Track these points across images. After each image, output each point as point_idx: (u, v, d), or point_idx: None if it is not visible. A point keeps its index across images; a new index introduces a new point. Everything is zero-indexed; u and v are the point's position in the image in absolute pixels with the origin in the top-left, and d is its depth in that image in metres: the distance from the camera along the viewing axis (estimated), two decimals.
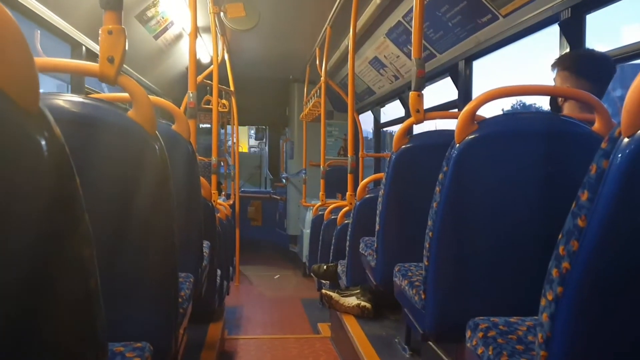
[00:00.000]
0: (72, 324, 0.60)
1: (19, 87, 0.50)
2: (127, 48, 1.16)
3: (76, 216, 0.58)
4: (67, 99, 1.09)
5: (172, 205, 1.20)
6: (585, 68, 1.79)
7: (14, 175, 0.50)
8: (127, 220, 1.13)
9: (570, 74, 1.79)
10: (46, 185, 0.53)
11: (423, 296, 1.51)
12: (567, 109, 1.82)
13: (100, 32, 1.14)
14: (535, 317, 0.90)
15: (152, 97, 1.27)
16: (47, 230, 0.53)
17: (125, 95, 1.20)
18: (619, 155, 0.71)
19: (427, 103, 1.94)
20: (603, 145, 0.74)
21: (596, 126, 1.37)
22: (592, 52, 1.98)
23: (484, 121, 1.39)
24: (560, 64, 1.85)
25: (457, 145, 1.37)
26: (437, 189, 1.43)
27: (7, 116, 0.49)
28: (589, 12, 2.29)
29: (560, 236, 0.81)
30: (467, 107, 1.37)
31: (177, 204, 1.22)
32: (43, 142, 0.51)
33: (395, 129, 5.74)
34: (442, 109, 3.95)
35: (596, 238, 0.75)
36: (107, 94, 2.01)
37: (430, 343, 1.78)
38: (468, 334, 1.17)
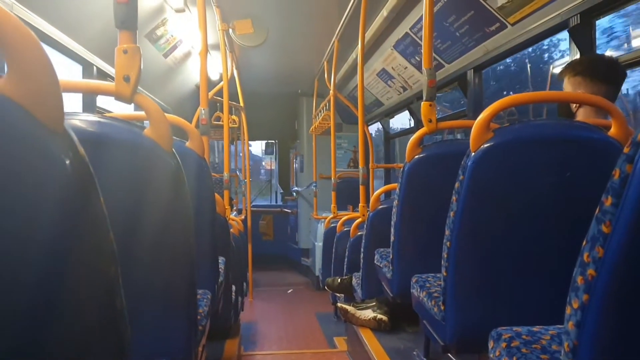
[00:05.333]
0: (100, 343, 0.60)
1: (45, 108, 0.51)
2: (142, 67, 1.17)
3: (102, 235, 0.58)
4: (83, 119, 1.10)
5: (190, 222, 1.20)
6: (601, 71, 1.78)
7: (40, 195, 0.50)
8: (146, 238, 1.14)
9: (583, 78, 1.78)
10: (71, 205, 0.53)
11: (442, 307, 1.50)
12: (582, 115, 1.81)
13: (115, 51, 1.15)
14: (559, 326, 0.89)
15: (167, 115, 1.28)
16: (73, 249, 0.54)
17: (141, 113, 1.21)
18: None
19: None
20: (626, 150, 0.74)
21: (612, 131, 1.35)
22: (604, 56, 1.97)
23: (499, 129, 1.38)
24: (571, 70, 1.83)
25: (473, 153, 1.36)
26: (454, 198, 1.42)
27: (33, 136, 0.50)
28: (598, 18, 2.29)
29: (584, 243, 0.80)
30: (482, 115, 1.36)
31: (193, 220, 1.23)
32: (68, 162, 0.52)
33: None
34: (452, 119, 3.96)
35: (622, 244, 0.74)
36: (123, 113, 2.03)
37: (451, 355, 1.76)
38: (491, 344, 1.16)
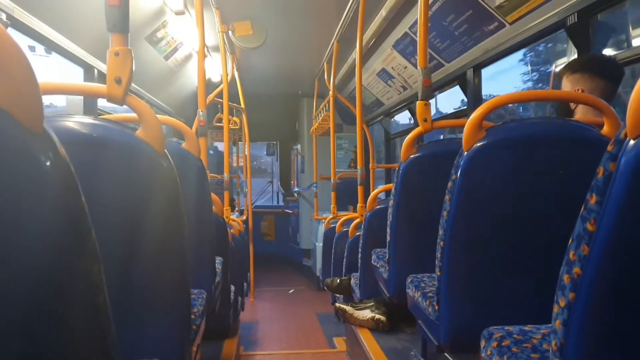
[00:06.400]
0: (82, 341, 0.61)
1: (24, 109, 0.51)
2: (134, 69, 1.18)
3: (83, 234, 0.58)
4: (76, 120, 1.11)
5: (183, 223, 1.21)
6: (599, 67, 1.79)
7: (20, 196, 0.50)
8: (138, 238, 1.14)
9: (582, 75, 1.78)
10: (52, 205, 0.53)
11: (436, 307, 1.50)
12: (580, 113, 1.81)
13: (107, 54, 1.16)
14: (550, 325, 0.89)
15: (160, 117, 1.28)
16: (54, 248, 0.54)
17: (134, 115, 1.22)
18: (626, 157, 0.70)
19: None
20: (609, 147, 0.74)
21: (605, 129, 1.35)
22: (603, 54, 1.98)
23: (492, 128, 1.38)
24: (570, 68, 1.84)
25: (465, 152, 1.36)
26: (447, 197, 1.42)
27: (12, 137, 0.50)
28: (596, 16, 2.29)
29: (570, 241, 0.80)
30: (475, 114, 1.36)
31: (188, 221, 1.23)
32: (48, 163, 0.52)
33: None
34: (453, 118, 3.95)
35: (606, 241, 0.74)
36: (117, 115, 2.03)
37: (446, 354, 1.76)
38: (482, 343, 1.16)
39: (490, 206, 1.38)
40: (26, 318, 0.51)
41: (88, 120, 1.14)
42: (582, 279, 0.77)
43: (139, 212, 1.15)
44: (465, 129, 1.36)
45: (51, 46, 2.72)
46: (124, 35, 1.17)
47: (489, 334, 1.14)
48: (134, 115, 1.24)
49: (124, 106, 1.20)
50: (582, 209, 0.78)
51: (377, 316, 2.65)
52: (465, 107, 3.70)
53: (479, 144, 1.35)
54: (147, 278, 1.17)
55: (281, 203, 8.74)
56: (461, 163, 1.36)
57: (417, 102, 1.87)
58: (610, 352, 0.79)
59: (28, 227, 0.51)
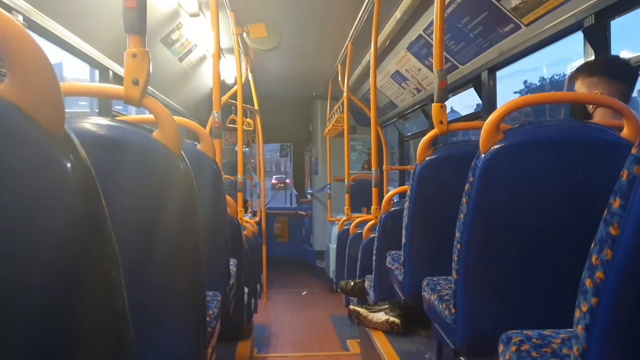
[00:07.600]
0: (100, 345, 0.61)
1: (46, 112, 0.51)
2: (151, 70, 1.18)
3: (103, 237, 0.58)
4: (93, 122, 1.11)
5: (198, 224, 1.21)
6: (618, 71, 1.77)
7: (41, 198, 0.50)
8: (154, 240, 1.14)
9: (600, 79, 1.75)
10: (73, 207, 0.53)
11: (453, 310, 1.49)
12: (599, 116, 1.78)
13: (124, 55, 1.16)
14: (569, 329, 0.87)
15: (176, 118, 1.28)
16: (74, 251, 0.54)
17: (151, 116, 1.22)
18: None
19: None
20: (633, 150, 0.72)
21: (625, 132, 1.33)
22: (619, 57, 1.96)
23: (509, 130, 1.37)
24: (586, 71, 1.81)
25: (483, 155, 1.35)
26: (464, 200, 1.40)
27: (34, 139, 0.50)
28: (613, 18, 2.26)
29: (592, 245, 0.79)
30: (492, 117, 1.35)
31: (203, 222, 1.23)
32: (69, 165, 0.52)
33: None
34: (467, 120, 3.93)
35: (630, 246, 0.72)
36: (133, 116, 2.05)
37: (463, 359, 1.74)
38: (501, 348, 1.14)
39: (508, 209, 1.37)
40: (44, 320, 0.51)
41: (105, 121, 1.14)
42: (605, 284, 0.76)
43: (155, 213, 1.15)
44: (482, 131, 1.35)
45: (67, 48, 2.74)
46: (142, 37, 1.18)
47: (507, 338, 1.13)
48: (149, 116, 1.24)
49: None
50: (605, 212, 0.76)
51: (392, 319, 2.63)
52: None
53: (496, 146, 1.34)
54: (163, 280, 1.17)
55: (294, 204, 8.75)
56: (479, 165, 1.35)
57: (433, 104, 1.86)
58: (634, 358, 0.78)
59: (48, 229, 0.51)
